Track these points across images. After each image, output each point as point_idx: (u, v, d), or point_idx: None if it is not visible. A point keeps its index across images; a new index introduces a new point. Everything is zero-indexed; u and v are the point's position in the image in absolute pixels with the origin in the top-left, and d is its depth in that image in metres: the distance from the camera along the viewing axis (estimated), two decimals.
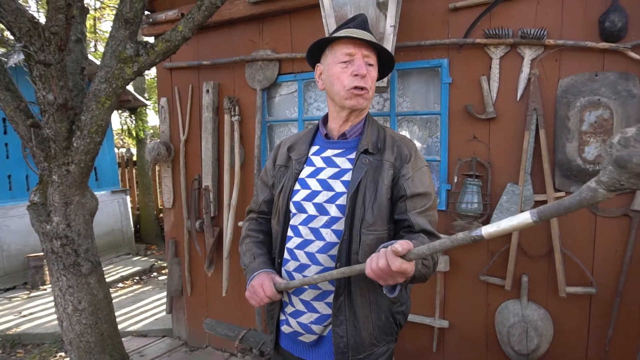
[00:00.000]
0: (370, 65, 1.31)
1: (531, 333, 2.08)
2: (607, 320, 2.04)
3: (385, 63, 1.40)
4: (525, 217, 0.78)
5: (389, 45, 2.06)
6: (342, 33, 1.31)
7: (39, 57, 2.13)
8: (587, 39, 1.97)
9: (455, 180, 2.24)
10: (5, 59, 2.50)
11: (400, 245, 0.99)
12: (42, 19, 2.19)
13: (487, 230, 0.85)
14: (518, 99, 2.12)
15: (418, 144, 2.46)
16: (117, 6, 2.23)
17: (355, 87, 1.28)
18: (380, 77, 1.41)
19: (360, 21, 1.36)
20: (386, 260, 1.00)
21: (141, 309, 4.35)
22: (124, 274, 5.47)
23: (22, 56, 2.25)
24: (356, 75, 1.27)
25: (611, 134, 1.89)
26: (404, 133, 2.49)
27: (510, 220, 0.81)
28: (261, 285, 1.27)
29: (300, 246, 1.33)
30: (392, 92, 2.41)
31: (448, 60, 2.25)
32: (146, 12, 3.07)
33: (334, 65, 1.31)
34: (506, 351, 2.18)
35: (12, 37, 2.31)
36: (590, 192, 0.70)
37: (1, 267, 5.05)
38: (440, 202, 2.31)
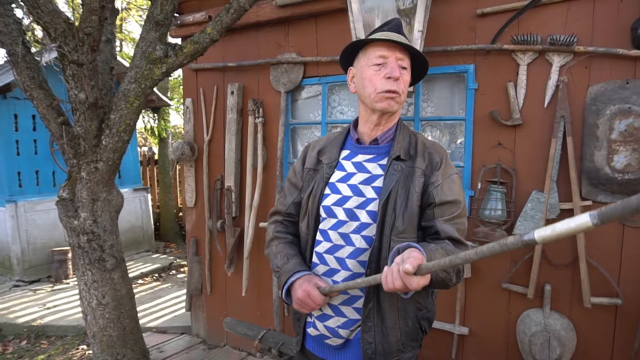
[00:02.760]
0: (404, 68, 1.30)
1: (553, 343, 2.05)
2: (633, 332, 2.00)
3: (418, 68, 1.39)
4: (583, 220, 0.70)
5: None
6: (377, 36, 1.30)
7: (73, 57, 2.20)
8: (619, 46, 1.94)
9: (479, 187, 2.23)
10: (39, 57, 2.58)
11: (410, 263, 0.98)
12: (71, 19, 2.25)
13: (540, 233, 0.76)
14: (545, 106, 2.10)
15: None
16: (143, 7, 2.29)
17: (387, 91, 1.27)
18: (412, 82, 1.40)
19: (394, 24, 1.35)
20: (402, 282, 1.00)
21: (160, 305, 4.43)
22: (143, 270, 5.57)
23: (53, 55, 2.32)
24: (389, 78, 1.26)
25: None
26: (428, 138, 2.49)
27: (567, 223, 0.72)
28: (308, 296, 1.24)
29: (329, 251, 1.33)
30: (417, 96, 2.41)
31: (474, 66, 2.24)
32: (175, 14, 3.13)
33: (366, 67, 1.31)
34: None
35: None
36: None
37: (27, 260, 5.20)
38: None
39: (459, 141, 2.39)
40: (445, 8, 2.28)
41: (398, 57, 1.29)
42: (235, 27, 2.68)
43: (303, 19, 2.72)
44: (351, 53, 1.39)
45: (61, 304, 4.46)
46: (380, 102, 1.29)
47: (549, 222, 2.10)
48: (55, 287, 4.99)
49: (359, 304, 1.30)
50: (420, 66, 1.38)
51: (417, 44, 2.05)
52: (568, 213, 2.07)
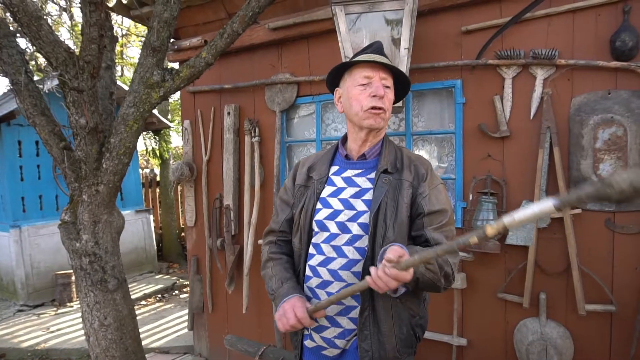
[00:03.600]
0: (387, 87, 1.38)
1: (550, 351, 2.07)
2: (629, 338, 2.01)
3: (401, 86, 1.47)
4: (547, 204, 0.82)
5: (403, 67, 2.13)
6: (361, 58, 1.39)
7: (73, 84, 2.28)
8: (599, 59, 2.00)
9: (471, 198, 2.27)
10: (41, 85, 2.66)
11: (392, 253, 1.07)
12: (70, 45, 2.34)
13: (509, 219, 0.88)
14: (531, 117, 2.16)
15: (434, 163, 2.50)
16: (142, 34, 2.38)
17: (373, 108, 1.35)
18: (396, 99, 1.47)
19: (376, 47, 1.44)
20: (393, 280, 1.08)
21: (163, 326, 4.44)
22: (146, 291, 5.59)
23: (55, 82, 2.40)
24: (374, 96, 1.34)
25: (625, 151, 1.91)
26: (420, 152, 2.54)
27: (532, 208, 0.85)
28: (292, 308, 1.29)
29: (322, 263, 1.38)
30: (407, 112, 2.48)
31: (461, 81, 2.31)
32: (171, 40, 3.23)
33: (352, 87, 1.39)
34: None
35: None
36: (615, 188, 0.75)
37: (31, 284, 5.23)
38: (456, 219, 2.34)
39: (449, 154, 2.45)
40: (431, 25, 2.36)
41: (382, 77, 1.37)
42: (231, 50, 2.77)
43: (295, 41, 2.81)
44: (337, 75, 1.47)
45: (65, 327, 4.48)
46: (367, 119, 1.37)
47: (539, 231, 2.14)
48: (59, 311, 5.01)
49: (355, 313, 1.34)
50: (403, 84, 1.46)
51: (404, 60, 2.12)
52: (558, 221, 2.10)
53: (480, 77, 2.27)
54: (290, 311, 1.29)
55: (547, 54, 2.06)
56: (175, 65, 3.39)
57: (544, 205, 0.82)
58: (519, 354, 2.20)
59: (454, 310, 2.35)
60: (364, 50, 1.46)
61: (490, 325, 2.31)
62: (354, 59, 1.40)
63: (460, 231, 2.31)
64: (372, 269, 1.13)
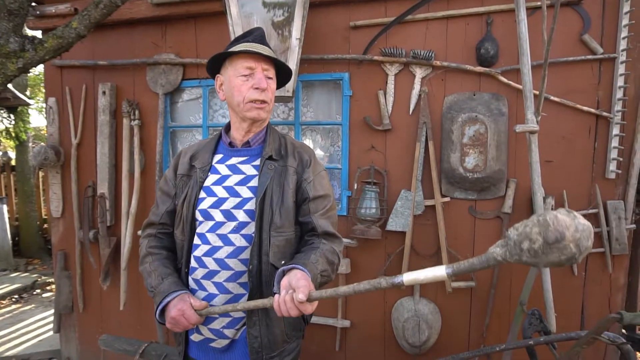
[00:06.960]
0: (270, 78, 1.39)
1: (422, 326, 2.28)
2: (485, 309, 2.32)
3: (283, 74, 1.48)
4: (441, 272, 0.91)
5: (294, 57, 2.14)
6: (242, 47, 1.35)
7: None
8: (467, 63, 2.24)
9: (355, 187, 2.39)
10: None
11: (302, 292, 1.06)
12: None
13: (408, 277, 0.96)
14: (410, 113, 2.33)
15: (321, 153, 2.57)
16: None
17: (256, 100, 1.34)
18: (278, 86, 1.48)
19: (258, 35, 1.42)
20: (298, 310, 1.08)
21: (22, 330, 3.92)
22: None
23: None
24: (257, 88, 1.33)
25: (486, 146, 2.17)
26: (308, 142, 2.59)
27: (428, 272, 0.93)
28: (182, 315, 1.23)
29: (208, 253, 1.34)
30: (297, 102, 2.50)
31: (349, 74, 2.40)
32: (33, 4, 2.81)
33: (234, 77, 1.36)
34: (402, 344, 2.37)
35: None
36: (495, 262, 0.83)
37: None
38: (342, 207, 2.45)
39: (336, 144, 2.54)
40: (321, 18, 2.41)
41: (264, 68, 1.37)
42: (107, 22, 2.50)
43: (181, 20, 2.64)
44: (218, 61, 1.43)
45: None
46: (250, 111, 1.36)
47: (415, 217, 2.34)
48: None
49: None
50: (284, 73, 1.48)
51: (295, 50, 2.13)
52: (431, 209, 2.32)
53: (367, 71, 2.38)
54: (181, 319, 1.24)
55: (425, 55, 2.24)
56: (37, 34, 2.96)
57: (438, 272, 0.91)
58: (396, 331, 2.39)
59: None
60: (244, 37, 1.43)
61: (372, 307, 2.47)
62: (235, 49, 1.36)
63: (345, 219, 2.42)
64: (280, 294, 1.11)
